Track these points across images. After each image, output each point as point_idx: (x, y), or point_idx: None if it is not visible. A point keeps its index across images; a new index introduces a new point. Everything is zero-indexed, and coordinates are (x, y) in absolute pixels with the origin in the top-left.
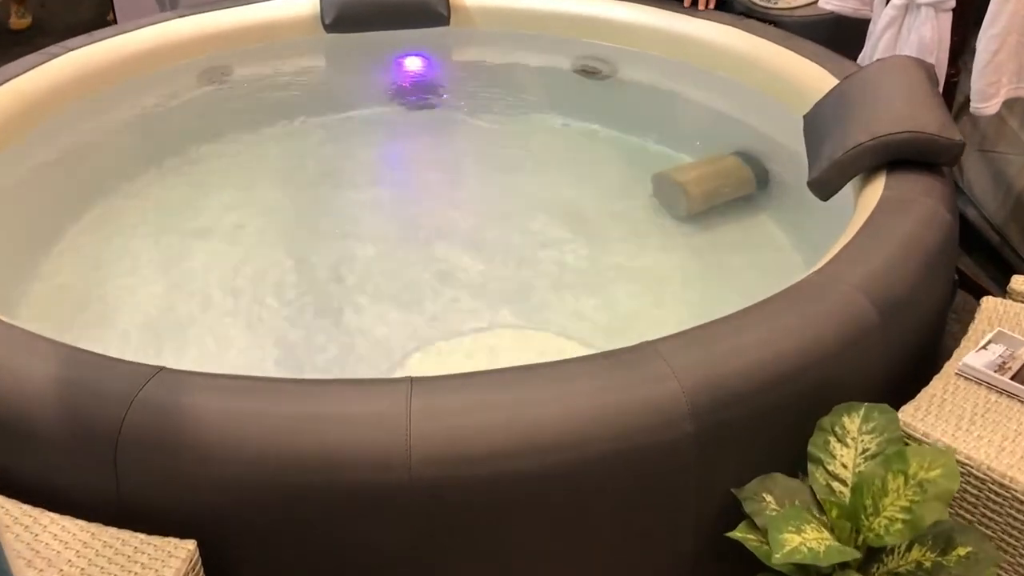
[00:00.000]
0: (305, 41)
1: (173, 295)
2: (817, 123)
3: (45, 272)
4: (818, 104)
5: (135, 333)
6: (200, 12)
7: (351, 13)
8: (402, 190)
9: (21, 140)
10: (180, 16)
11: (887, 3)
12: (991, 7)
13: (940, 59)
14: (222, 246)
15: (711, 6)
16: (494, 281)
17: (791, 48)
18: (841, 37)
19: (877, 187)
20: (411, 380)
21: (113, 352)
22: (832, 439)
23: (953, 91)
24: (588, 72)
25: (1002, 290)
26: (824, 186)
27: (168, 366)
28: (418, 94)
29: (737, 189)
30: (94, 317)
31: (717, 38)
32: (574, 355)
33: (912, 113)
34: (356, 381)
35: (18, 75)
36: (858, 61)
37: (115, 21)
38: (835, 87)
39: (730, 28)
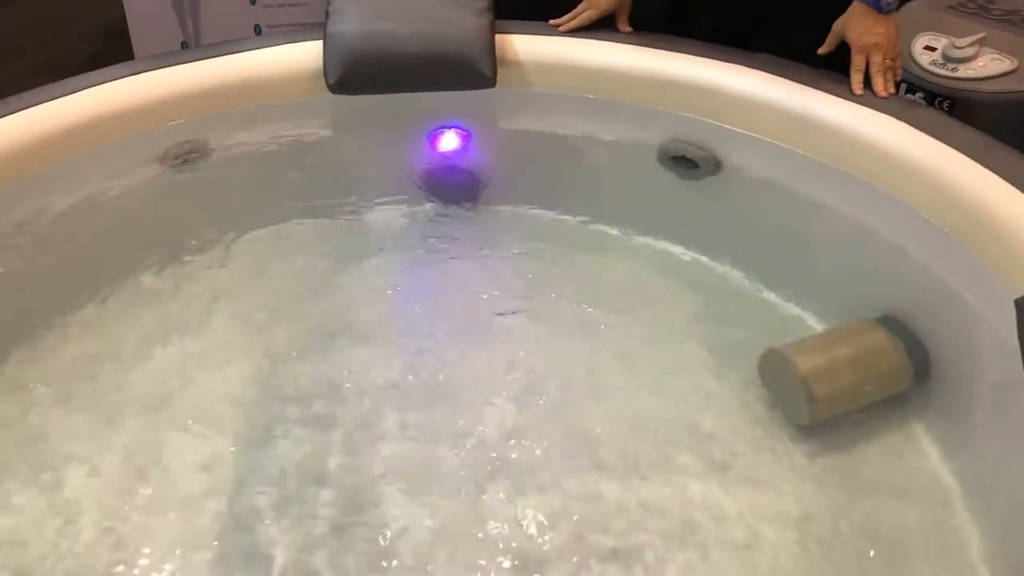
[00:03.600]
0: (304, 105)
1: None
2: None
3: None
4: None
5: None
6: (168, 64)
7: (363, 70)
8: (416, 346)
9: None
10: (133, 73)
11: None
12: None
13: None
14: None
15: (890, 91)
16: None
17: (992, 166)
18: None
19: None
20: None
21: None
22: None
23: None
24: (681, 163)
25: None
26: None
27: None
28: (451, 186)
29: (885, 386)
30: None
31: (873, 134)
32: None
33: None
34: None
35: None
36: None
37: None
38: None
39: (894, 121)
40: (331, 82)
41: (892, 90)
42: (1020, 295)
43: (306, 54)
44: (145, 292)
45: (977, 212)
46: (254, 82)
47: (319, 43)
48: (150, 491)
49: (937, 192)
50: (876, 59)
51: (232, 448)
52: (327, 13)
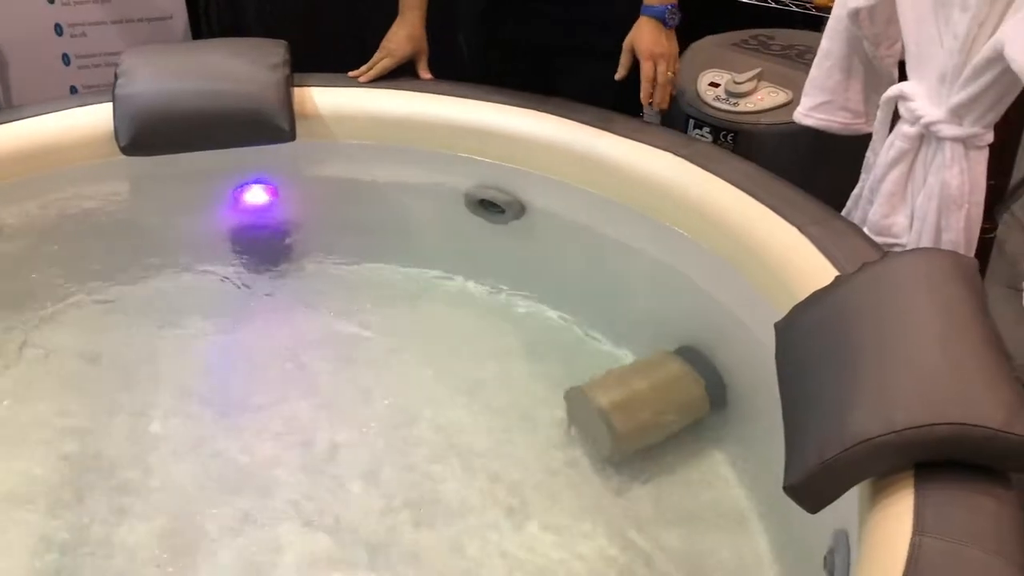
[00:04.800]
0: (99, 169)
1: None
2: (796, 358)
3: None
4: (797, 315)
5: None
6: None
7: (155, 130)
8: (231, 414)
9: None
10: None
11: (890, 128)
12: None
13: (971, 213)
14: None
15: (666, 104)
16: None
17: (759, 196)
18: (827, 152)
19: (898, 513)
20: None
21: None
22: None
23: (988, 251)
24: (488, 207)
25: None
26: (808, 496)
27: None
28: (261, 242)
29: (684, 416)
30: None
31: (655, 171)
32: None
33: (959, 385)
34: None
35: None
36: (846, 210)
37: None
38: (823, 295)
39: (673, 157)
40: (123, 144)
41: (667, 104)
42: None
43: (98, 117)
44: None
45: (745, 241)
46: (44, 148)
47: (111, 105)
48: None
49: (711, 224)
50: (661, 68)
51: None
52: (116, 75)
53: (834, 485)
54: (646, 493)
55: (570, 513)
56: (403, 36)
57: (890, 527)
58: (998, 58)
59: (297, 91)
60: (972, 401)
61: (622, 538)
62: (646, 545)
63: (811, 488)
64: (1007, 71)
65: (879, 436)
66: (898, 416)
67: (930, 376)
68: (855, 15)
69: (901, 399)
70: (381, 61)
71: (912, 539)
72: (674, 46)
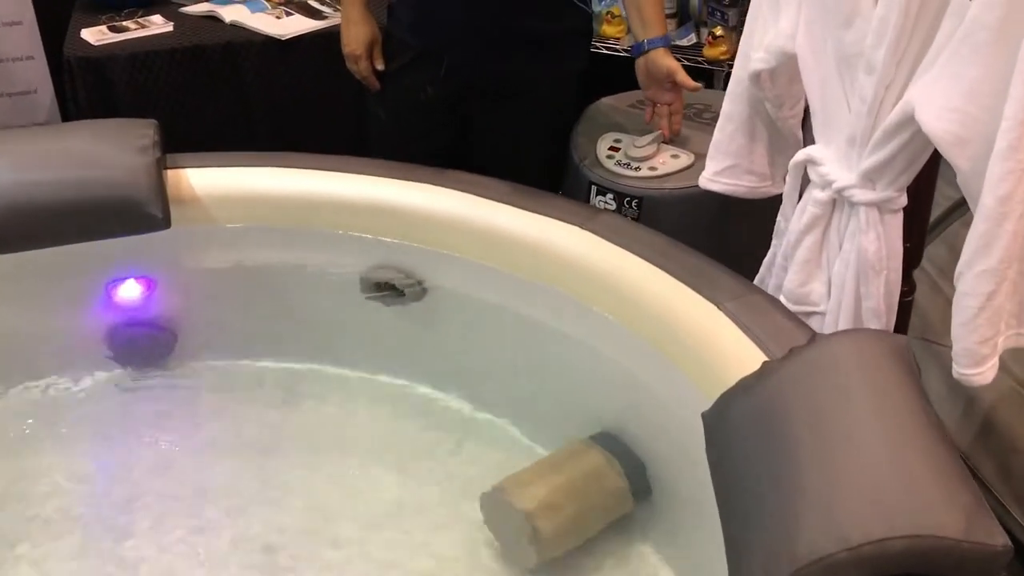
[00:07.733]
0: None
1: None
2: (730, 458)
3: None
4: (726, 406)
5: None
6: None
7: (18, 223)
8: (117, 539)
9: None
10: None
11: (800, 193)
12: (977, 232)
13: (890, 279)
14: None
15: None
16: None
17: (672, 270)
18: (734, 214)
19: None
20: None
21: None
22: None
23: (908, 313)
24: (386, 290)
25: None
26: None
27: None
28: (141, 344)
29: (608, 512)
30: None
31: (561, 246)
32: None
33: (911, 490)
34: None
35: None
36: (759, 278)
37: None
38: (752, 384)
39: (579, 231)
40: None
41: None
42: (708, 407)
43: None
44: None
45: (663, 318)
46: None
47: None
48: None
49: (624, 300)
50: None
51: None
52: None
53: None
54: None
55: None
56: (352, 36)
57: None
58: (908, 121)
59: (170, 173)
60: (927, 509)
61: None
62: None
63: None
64: (918, 134)
65: (833, 555)
66: (851, 532)
67: (879, 482)
68: (756, 77)
69: (851, 511)
70: (363, 76)
71: None
72: None
